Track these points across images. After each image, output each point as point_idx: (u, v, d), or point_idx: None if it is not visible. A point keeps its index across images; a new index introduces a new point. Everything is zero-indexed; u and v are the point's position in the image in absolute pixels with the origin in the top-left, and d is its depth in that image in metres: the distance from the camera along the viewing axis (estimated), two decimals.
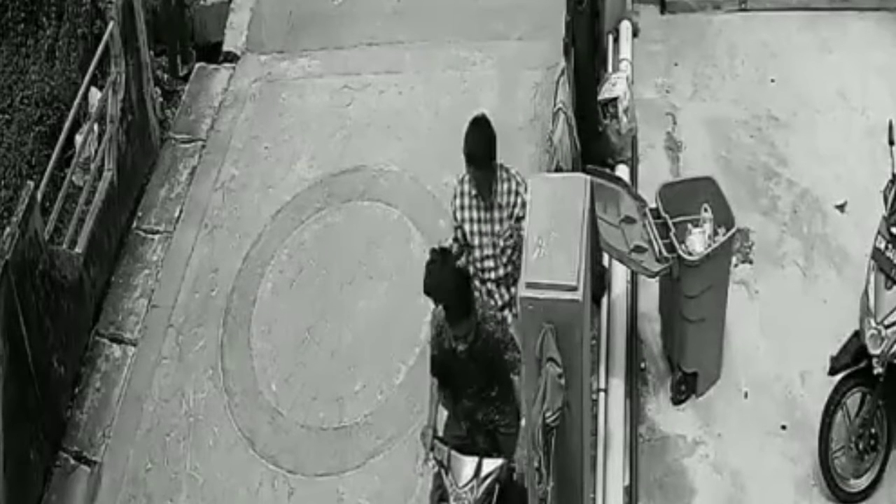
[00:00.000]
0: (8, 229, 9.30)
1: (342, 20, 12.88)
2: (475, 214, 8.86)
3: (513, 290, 8.87)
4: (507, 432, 8.64)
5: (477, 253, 8.92)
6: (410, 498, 9.40)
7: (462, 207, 8.88)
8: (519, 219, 8.68)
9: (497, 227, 8.82)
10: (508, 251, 8.86)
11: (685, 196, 9.47)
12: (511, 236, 8.81)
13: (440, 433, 8.62)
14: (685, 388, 9.84)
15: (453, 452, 8.47)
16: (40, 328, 9.68)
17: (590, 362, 8.80)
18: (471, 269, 8.93)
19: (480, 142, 8.66)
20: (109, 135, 10.99)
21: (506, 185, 8.78)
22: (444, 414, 8.72)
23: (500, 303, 9.01)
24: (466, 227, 8.89)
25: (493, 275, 8.94)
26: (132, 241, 11.35)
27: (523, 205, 8.53)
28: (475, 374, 8.37)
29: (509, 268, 8.89)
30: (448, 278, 8.10)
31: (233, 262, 11.05)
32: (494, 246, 8.87)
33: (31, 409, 9.59)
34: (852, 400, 9.11)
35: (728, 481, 9.45)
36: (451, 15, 12.69)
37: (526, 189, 8.51)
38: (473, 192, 8.83)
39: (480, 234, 8.87)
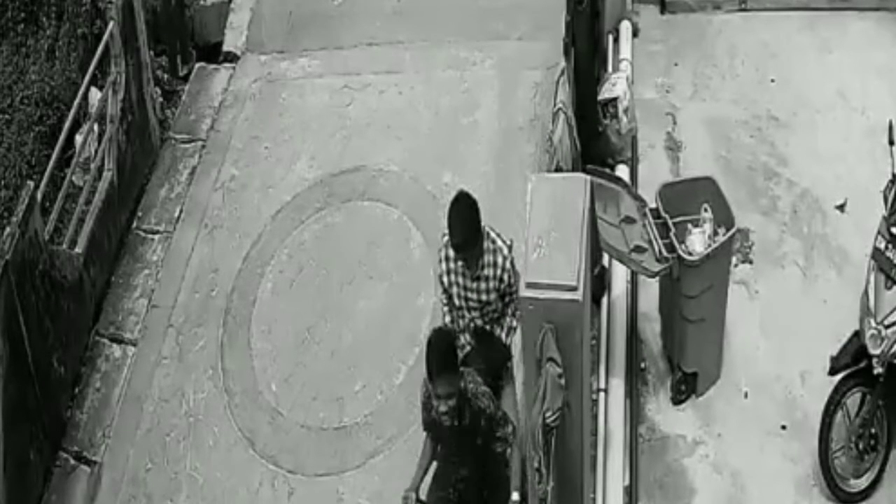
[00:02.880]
0: (8, 229, 9.29)
1: (342, 20, 12.87)
2: (461, 280, 8.56)
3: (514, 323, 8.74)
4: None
5: (466, 314, 8.70)
6: None
7: (448, 272, 8.58)
8: (510, 289, 8.50)
9: (484, 297, 8.54)
10: (496, 314, 8.70)
11: (685, 196, 9.47)
12: (504, 301, 8.64)
13: (423, 496, 8.37)
14: (685, 388, 9.84)
15: None
16: (40, 328, 9.68)
17: (590, 362, 8.80)
18: (461, 323, 8.76)
19: (466, 229, 8.29)
20: (109, 135, 10.99)
21: (490, 258, 8.44)
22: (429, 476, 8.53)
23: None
24: (454, 290, 8.63)
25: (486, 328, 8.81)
26: (132, 241, 11.34)
27: (509, 283, 8.45)
28: (466, 447, 8.22)
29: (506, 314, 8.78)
30: (434, 337, 7.97)
31: (233, 262, 11.05)
32: (482, 312, 8.66)
33: (31, 409, 9.59)
34: (852, 400, 9.12)
35: (728, 481, 9.46)
36: (451, 15, 12.68)
37: (512, 262, 8.41)
38: (460, 261, 8.52)
39: (468, 299, 8.61)
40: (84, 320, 10.57)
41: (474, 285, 8.51)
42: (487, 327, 8.72)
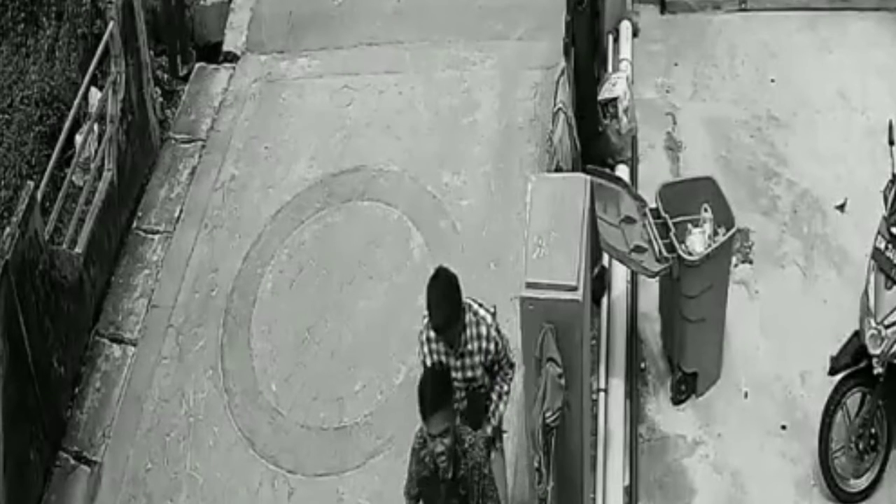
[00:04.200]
0: (8, 229, 9.29)
1: (342, 20, 12.88)
2: (444, 360, 8.23)
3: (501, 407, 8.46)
4: None
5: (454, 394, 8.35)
6: None
7: (431, 353, 8.23)
8: (497, 357, 8.22)
9: (469, 374, 8.21)
10: (483, 390, 8.37)
11: (685, 196, 9.47)
12: (493, 371, 8.33)
13: None
14: (685, 388, 9.84)
15: None
16: (40, 328, 9.68)
17: (590, 362, 8.81)
18: None
19: (447, 310, 7.97)
20: (109, 135, 10.99)
21: (474, 330, 8.13)
22: None
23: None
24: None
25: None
26: (132, 241, 11.34)
27: (497, 351, 8.17)
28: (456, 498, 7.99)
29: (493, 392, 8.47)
30: (426, 375, 7.83)
31: (233, 262, 11.05)
32: (468, 390, 8.30)
33: (31, 409, 9.59)
34: (852, 400, 9.12)
35: (728, 481, 9.46)
36: (451, 15, 12.69)
37: (497, 329, 8.14)
38: (442, 341, 8.21)
39: (453, 379, 8.18)
40: (84, 320, 10.57)
41: (459, 363, 8.19)
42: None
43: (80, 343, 10.49)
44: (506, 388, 8.36)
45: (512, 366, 8.32)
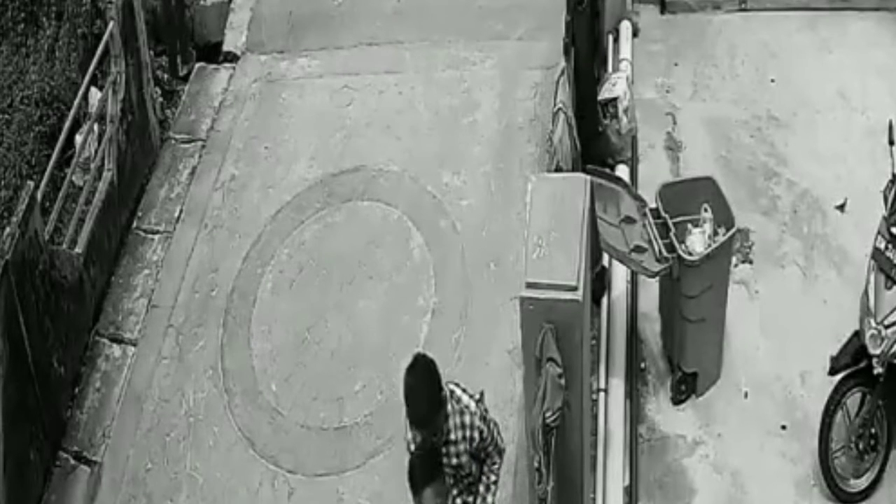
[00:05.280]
0: (8, 229, 9.29)
1: (342, 20, 12.88)
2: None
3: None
4: None
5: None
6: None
7: (415, 438, 7.92)
8: (483, 444, 7.97)
9: (454, 461, 7.95)
10: (470, 478, 8.17)
11: (685, 196, 9.47)
12: (480, 458, 8.12)
13: None
14: (685, 388, 9.84)
15: None
16: (40, 328, 9.68)
17: (590, 362, 8.81)
18: None
19: (426, 403, 7.67)
20: (109, 135, 10.99)
21: (457, 420, 7.85)
22: None
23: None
24: None
25: (459, 500, 8.28)
26: (132, 241, 11.34)
27: (482, 439, 7.93)
28: None
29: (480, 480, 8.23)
30: (416, 452, 7.72)
31: (233, 262, 11.05)
32: (456, 479, 8.09)
33: (31, 409, 9.59)
34: (852, 400, 9.12)
35: (728, 481, 9.46)
36: (451, 15, 12.69)
37: (483, 416, 7.90)
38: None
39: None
40: (84, 320, 10.57)
41: (444, 450, 7.92)
42: (459, 500, 8.23)
43: (80, 343, 10.49)
44: (493, 478, 8.15)
45: (500, 453, 8.12)
